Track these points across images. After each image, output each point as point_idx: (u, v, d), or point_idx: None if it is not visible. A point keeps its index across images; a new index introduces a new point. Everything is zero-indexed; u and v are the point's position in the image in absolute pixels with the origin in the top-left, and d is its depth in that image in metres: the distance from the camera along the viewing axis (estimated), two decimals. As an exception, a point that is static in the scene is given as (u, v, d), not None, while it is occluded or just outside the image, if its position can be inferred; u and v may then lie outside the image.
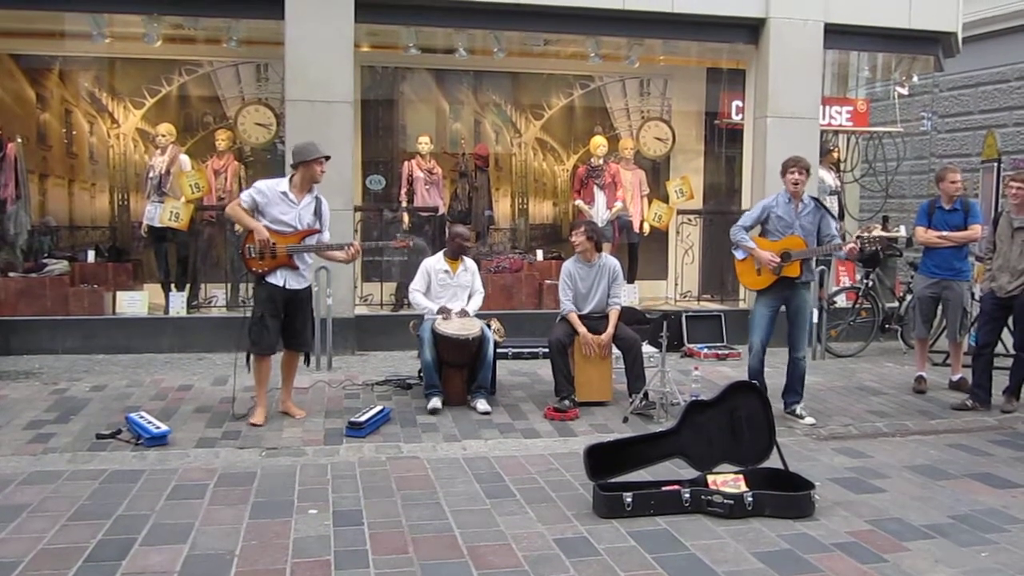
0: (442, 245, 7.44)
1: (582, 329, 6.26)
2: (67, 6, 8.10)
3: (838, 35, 9.11)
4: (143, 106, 9.93)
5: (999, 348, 6.77)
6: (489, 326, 6.38)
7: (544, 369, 6.84)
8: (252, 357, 5.75)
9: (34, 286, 8.19)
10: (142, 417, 5.39)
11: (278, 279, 5.61)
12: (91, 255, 8.93)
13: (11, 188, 8.48)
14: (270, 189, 5.61)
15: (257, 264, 5.57)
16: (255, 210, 5.60)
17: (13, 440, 5.22)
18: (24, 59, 9.67)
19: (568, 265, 6.52)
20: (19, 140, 8.67)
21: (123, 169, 9.99)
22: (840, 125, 10.36)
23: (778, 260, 5.85)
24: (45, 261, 8.64)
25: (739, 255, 6.15)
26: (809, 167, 5.99)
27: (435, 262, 6.52)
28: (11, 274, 8.36)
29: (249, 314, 5.74)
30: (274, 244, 5.53)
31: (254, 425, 5.60)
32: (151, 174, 8.60)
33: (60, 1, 7.96)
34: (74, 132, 9.98)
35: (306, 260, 5.74)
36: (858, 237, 6.19)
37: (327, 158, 5.66)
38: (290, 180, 5.66)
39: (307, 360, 6.12)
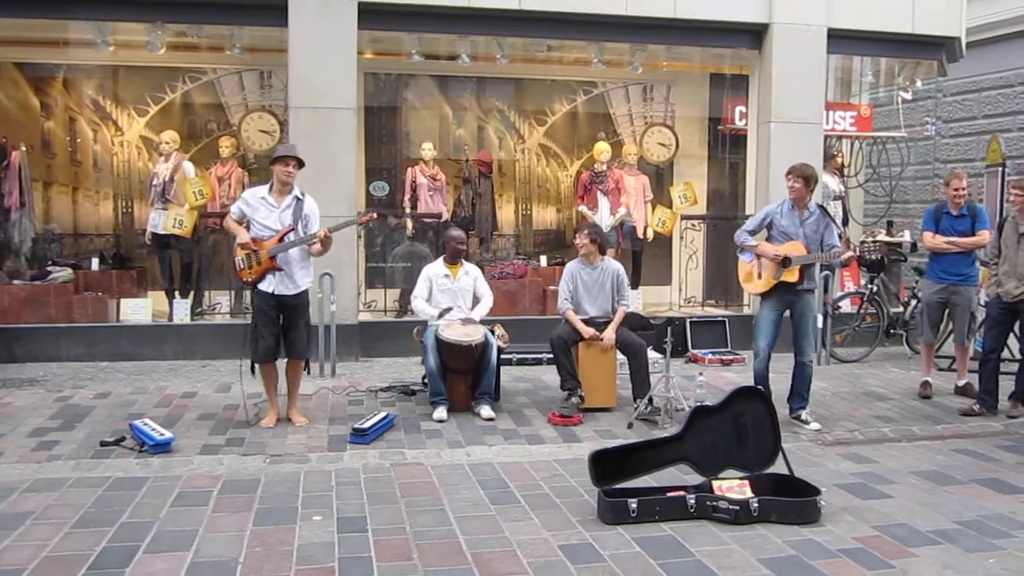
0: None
1: (581, 325, 6.27)
2: (71, 15, 8.11)
3: (841, 40, 9.10)
4: (147, 113, 9.96)
5: (1005, 353, 6.74)
6: (493, 332, 6.36)
7: (548, 375, 6.82)
8: (256, 364, 5.78)
9: (38, 294, 8.20)
10: (146, 424, 5.38)
11: (268, 285, 5.65)
12: (95, 262, 8.95)
13: (15, 196, 8.53)
14: (252, 196, 5.75)
15: (246, 274, 5.67)
16: (244, 220, 5.71)
17: (17, 447, 5.22)
18: (28, 67, 9.71)
19: (571, 265, 6.53)
20: (23, 148, 8.71)
21: (127, 176, 10.02)
22: (844, 130, 10.34)
23: (781, 255, 5.85)
24: (49, 269, 8.66)
25: (744, 258, 6.15)
26: (809, 175, 5.90)
27: (435, 268, 6.52)
28: (15, 282, 8.38)
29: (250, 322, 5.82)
30: (257, 250, 5.61)
31: (265, 428, 5.66)
32: (155, 181, 8.63)
33: (64, 10, 7.98)
34: (78, 140, 10.02)
35: (291, 262, 5.68)
36: (862, 242, 6.18)
37: (294, 159, 5.64)
38: (270, 185, 5.77)
39: (307, 368, 6.03)
